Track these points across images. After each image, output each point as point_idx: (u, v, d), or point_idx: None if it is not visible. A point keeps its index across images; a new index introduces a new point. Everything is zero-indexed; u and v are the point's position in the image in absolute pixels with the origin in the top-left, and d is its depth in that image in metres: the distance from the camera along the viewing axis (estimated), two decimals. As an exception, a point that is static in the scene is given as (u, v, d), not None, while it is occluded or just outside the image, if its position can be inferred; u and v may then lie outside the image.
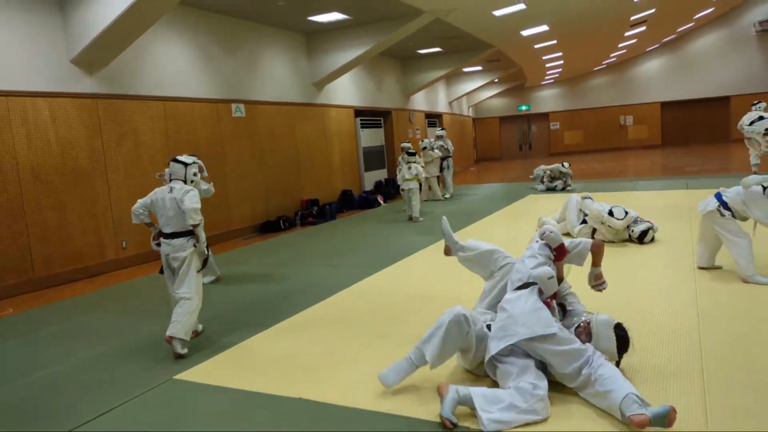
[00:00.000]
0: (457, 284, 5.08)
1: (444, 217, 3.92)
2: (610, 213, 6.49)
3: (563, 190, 12.13)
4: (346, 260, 6.97)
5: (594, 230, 6.69)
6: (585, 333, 3.05)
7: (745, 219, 4.65)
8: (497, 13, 11.07)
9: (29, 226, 6.54)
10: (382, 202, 13.02)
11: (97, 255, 7.28)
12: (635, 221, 6.54)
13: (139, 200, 4.30)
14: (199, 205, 4.15)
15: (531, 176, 12.87)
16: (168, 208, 4.13)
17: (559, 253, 3.37)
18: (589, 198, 7.04)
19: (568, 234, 6.91)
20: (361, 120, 14.01)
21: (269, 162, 10.54)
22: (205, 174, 5.65)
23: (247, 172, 9.97)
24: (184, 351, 3.97)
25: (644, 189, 11.14)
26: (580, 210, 6.95)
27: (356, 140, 13.87)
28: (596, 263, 3.53)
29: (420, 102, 18.42)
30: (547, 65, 20.82)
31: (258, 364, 3.75)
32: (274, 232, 10.00)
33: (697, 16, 20.11)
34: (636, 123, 25.47)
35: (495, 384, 2.96)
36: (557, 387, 2.91)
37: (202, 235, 4.34)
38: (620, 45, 19.85)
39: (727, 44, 23.31)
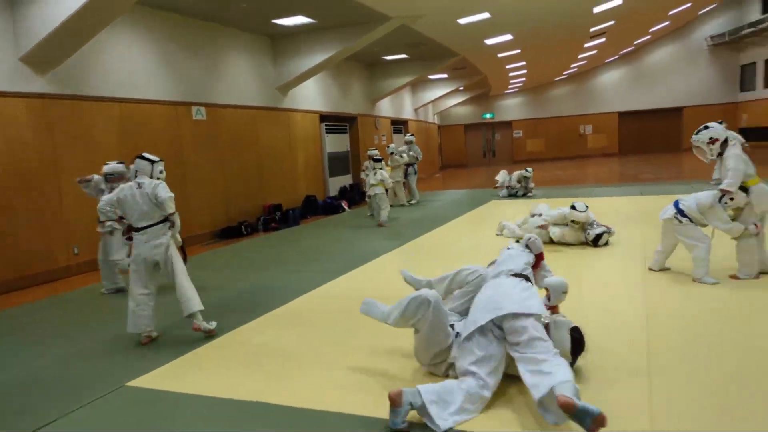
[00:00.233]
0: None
1: (403, 270, 4.02)
2: (573, 207, 6.66)
3: (524, 196, 12.34)
4: (309, 266, 6.88)
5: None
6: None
7: (704, 225, 4.89)
8: (462, 21, 11.22)
9: (-27, 230, 6.22)
10: (346, 207, 12.95)
11: (47, 261, 6.98)
12: (591, 224, 6.71)
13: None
14: (173, 194, 4.27)
15: (496, 185, 12.94)
16: (141, 204, 4.23)
17: (538, 261, 3.55)
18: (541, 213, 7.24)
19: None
20: (326, 125, 13.93)
21: (231, 166, 10.34)
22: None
23: (208, 177, 9.76)
24: (212, 325, 4.21)
25: (601, 195, 11.45)
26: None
27: (321, 145, 13.77)
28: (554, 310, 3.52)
29: (386, 108, 18.46)
30: (511, 74, 21.23)
31: (218, 369, 3.63)
32: (236, 238, 9.81)
33: (653, 29, 20.89)
34: (595, 132, 26.24)
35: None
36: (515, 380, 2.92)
37: (178, 222, 4.40)
38: (580, 56, 20.43)
39: (681, 57, 24.33)
